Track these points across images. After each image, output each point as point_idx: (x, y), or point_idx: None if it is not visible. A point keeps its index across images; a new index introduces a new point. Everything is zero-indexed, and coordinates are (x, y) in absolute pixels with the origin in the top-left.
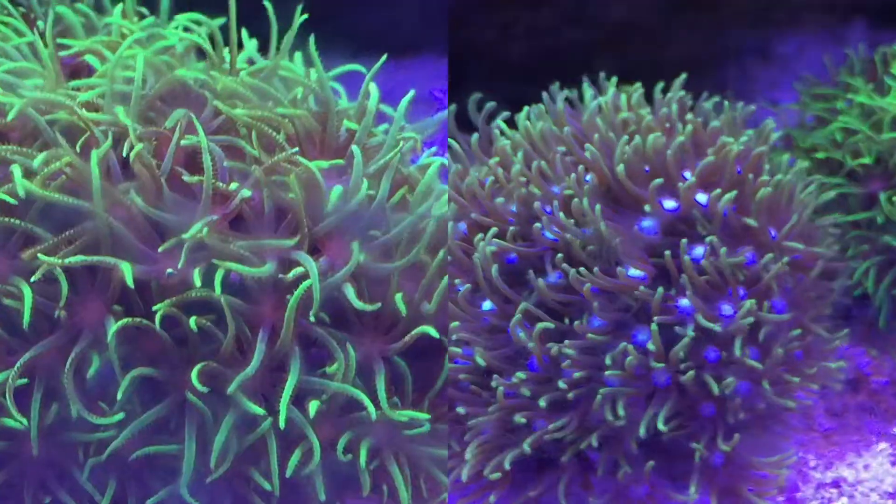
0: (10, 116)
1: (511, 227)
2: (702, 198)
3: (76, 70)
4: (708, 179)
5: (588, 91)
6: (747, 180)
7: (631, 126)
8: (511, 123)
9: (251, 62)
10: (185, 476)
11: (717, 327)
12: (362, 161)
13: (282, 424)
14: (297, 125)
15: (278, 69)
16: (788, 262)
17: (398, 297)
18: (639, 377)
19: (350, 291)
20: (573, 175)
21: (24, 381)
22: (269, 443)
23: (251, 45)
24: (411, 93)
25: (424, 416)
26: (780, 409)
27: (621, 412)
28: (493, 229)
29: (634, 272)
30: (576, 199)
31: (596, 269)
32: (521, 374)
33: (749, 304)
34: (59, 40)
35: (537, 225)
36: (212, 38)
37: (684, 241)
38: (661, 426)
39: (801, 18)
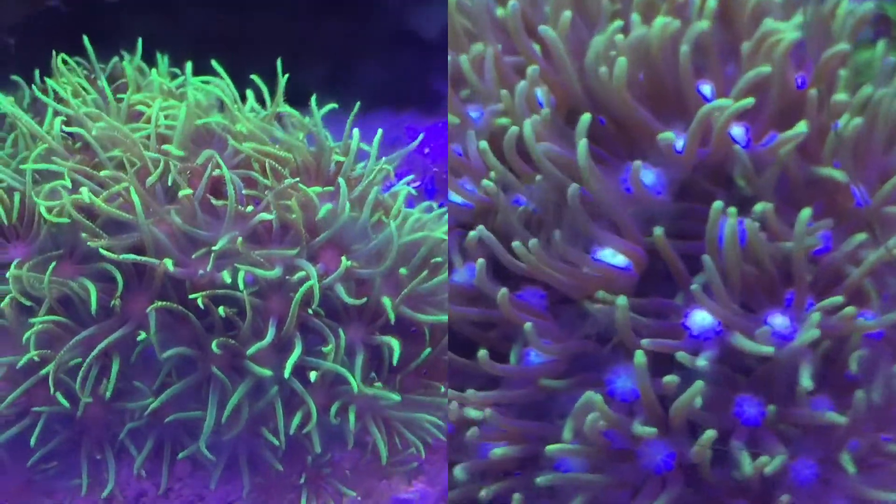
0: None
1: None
2: (738, 132)
3: (131, 116)
4: (747, 98)
5: None
6: (812, 100)
7: (617, 2)
8: None
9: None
10: (204, 434)
11: (766, 350)
12: (347, 189)
13: (287, 374)
14: (297, 160)
15: (284, 116)
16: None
17: (386, 300)
18: (617, 456)
19: (341, 290)
20: (519, 87)
21: (78, 360)
22: (277, 407)
23: (251, 98)
24: (379, 132)
25: (393, 395)
26: None
27: None
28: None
29: (611, 256)
30: (514, 128)
31: (536, 248)
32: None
33: (827, 304)
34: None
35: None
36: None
37: (719, 203)
38: None
39: None
